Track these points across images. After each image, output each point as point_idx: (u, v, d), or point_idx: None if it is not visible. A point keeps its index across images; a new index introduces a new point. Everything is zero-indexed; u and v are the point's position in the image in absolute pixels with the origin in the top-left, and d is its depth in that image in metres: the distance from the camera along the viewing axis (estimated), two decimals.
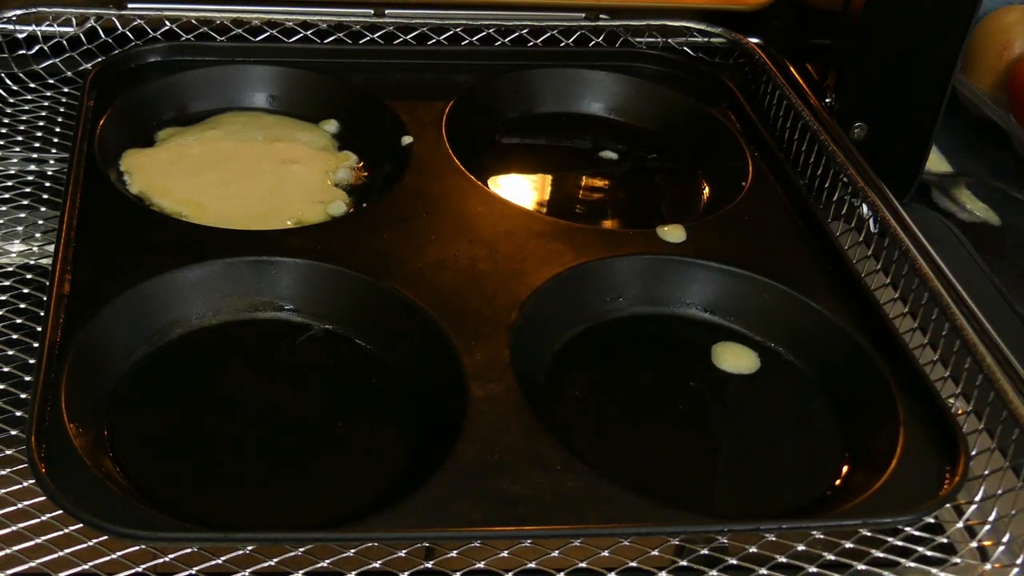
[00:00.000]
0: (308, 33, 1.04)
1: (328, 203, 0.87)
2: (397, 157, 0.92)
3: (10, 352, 0.71)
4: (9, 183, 0.86)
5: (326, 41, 1.05)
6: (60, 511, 0.59)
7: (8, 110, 0.95)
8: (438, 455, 0.66)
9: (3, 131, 0.92)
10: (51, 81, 0.99)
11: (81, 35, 1.01)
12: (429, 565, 0.61)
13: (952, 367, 0.76)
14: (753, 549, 0.64)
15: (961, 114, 1.18)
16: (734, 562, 0.63)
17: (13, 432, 0.65)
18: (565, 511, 0.63)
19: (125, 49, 1.00)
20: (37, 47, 1.00)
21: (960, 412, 0.73)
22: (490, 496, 0.63)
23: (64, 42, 1.00)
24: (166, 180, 0.88)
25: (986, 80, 1.19)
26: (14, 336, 0.72)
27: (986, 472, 0.69)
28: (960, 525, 0.67)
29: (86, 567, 0.58)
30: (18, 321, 0.73)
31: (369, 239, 0.81)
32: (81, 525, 0.59)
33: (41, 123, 0.93)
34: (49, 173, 0.88)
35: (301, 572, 0.59)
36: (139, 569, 0.59)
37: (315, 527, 0.63)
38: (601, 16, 1.10)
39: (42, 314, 0.71)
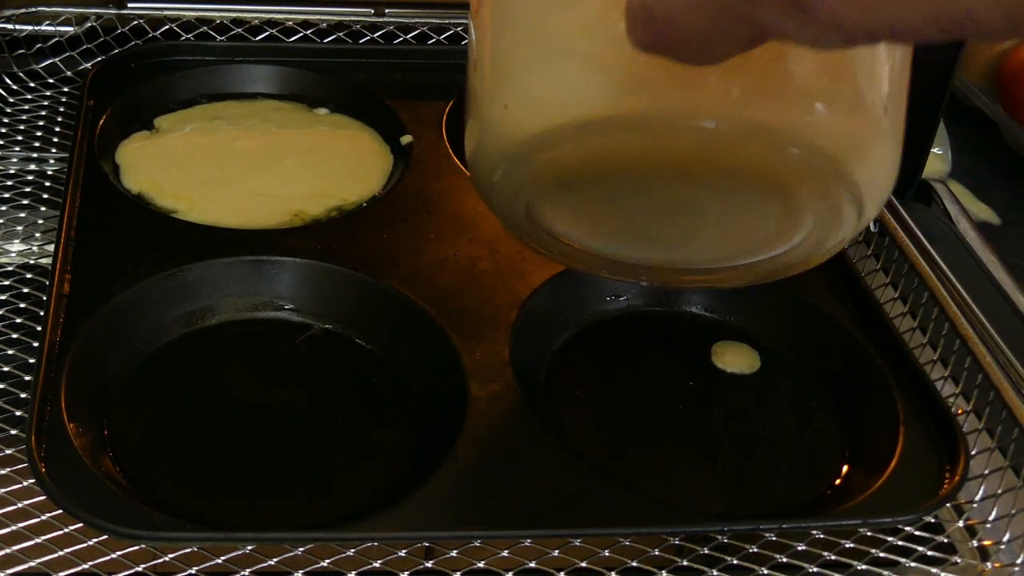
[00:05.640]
0: (308, 32, 1.04)
1: (326, 197, 0.87)
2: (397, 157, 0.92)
3: (10, 352, 0.71)
4: (9, 183, 0.86)
5: (326, 40, 1.05)
6: (60, 511, 0.59)
7: (8, 110, 0.95)
8: (438, 455, 0.66)
9: (3, 131, 0.92)
10: (51, 81, 0.99)
11: (81, 35, 1.01)
12: (429, 565, 0.61)
13: (952, 367, 0.76)
14: (753, 549, 0.64)
15: (951, 104, 1.18)
16: (734, 562, 0.63)
17: (13, 432, 0.65)
18: (565, 511, 0.63)
19: (125, 49, 1.00)
20: (37, 46, 1.00)
21: (960, 412, 0.73)
22: (490, 496, 0.63)
23: (64, 42, 1.00)
24: (165, 176, 0.87)
25: (976, 70, 1.19)
26: (14, 336, 0.72)
27: (986, 472, 0.69)
28: (960, 525, 0.68)
29: (86, 567, 0.59)
30: (18, 321, 0.73)
31: (369, 239, 0.81)
32: (81, 524, 0.59)
33: (41, 123, 0.93)
34: (49, 173, 0.88)
35: (301, 572, 0.59)
36: (139, 569, 0.59)
37: (315, 527, 0.63)
38: None
39: (42, 314, 0.71)
